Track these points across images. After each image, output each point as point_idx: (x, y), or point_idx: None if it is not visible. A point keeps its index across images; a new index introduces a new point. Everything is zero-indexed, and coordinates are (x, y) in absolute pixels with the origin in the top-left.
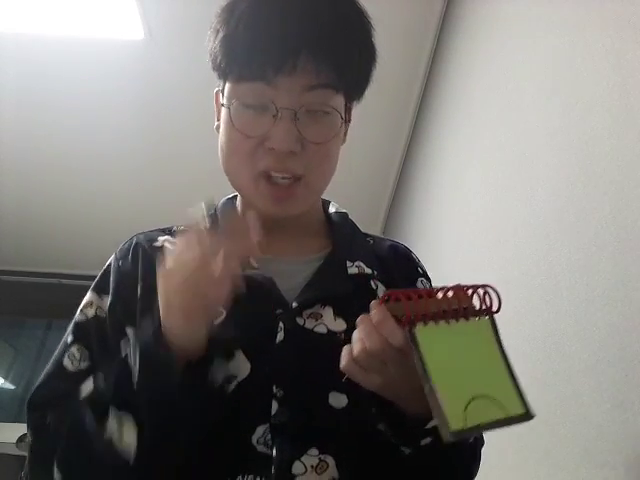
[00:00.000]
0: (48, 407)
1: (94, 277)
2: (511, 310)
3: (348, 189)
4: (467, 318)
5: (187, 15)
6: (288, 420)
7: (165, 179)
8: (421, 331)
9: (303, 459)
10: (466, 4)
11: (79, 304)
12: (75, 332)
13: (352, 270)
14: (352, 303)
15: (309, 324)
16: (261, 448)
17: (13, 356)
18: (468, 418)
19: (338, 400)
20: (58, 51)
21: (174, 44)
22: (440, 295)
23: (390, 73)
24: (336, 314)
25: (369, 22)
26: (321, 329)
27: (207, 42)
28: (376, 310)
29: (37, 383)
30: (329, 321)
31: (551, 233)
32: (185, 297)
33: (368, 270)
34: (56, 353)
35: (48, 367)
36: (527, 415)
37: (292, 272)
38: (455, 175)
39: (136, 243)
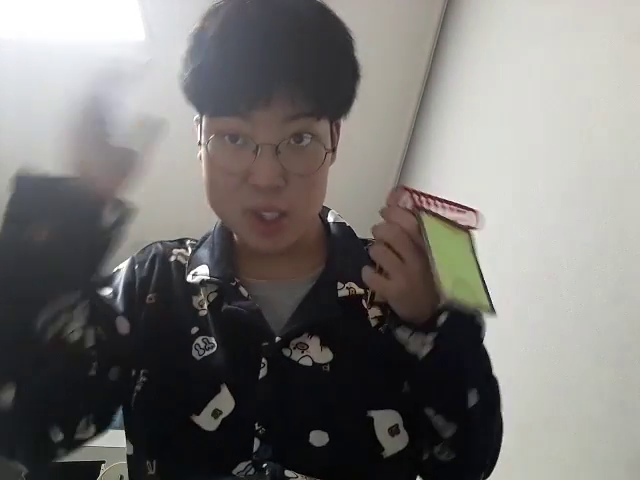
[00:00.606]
0: None
1: None
2: (511, 310)
3: (348, 189)
4: (455, 226)
5: (188, 16)
6: (270, 458)
7: (164, 179)
8: (428, 220)
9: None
10: (466, 4)
11: None
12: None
13: (342, 292)
14: (339, 329)
15: (295, 355)
16: (241, 476)
17: None
18: (454, 292)
19: (319, 438)
20: (58, 52)
21: (175, 45)
22: (438, 203)
23: (390, 73)
24: (323, 344)
25: (347, 36)
26: (306, 362)
27: (179, 72)
28: (388, 203)
29: None
30: (315, 352)
31: (551, 233)
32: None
33: (360, 290)
34: None
35: None
36: (490, 310)
37: (283, 297)
38: (455, 175)
39: (154, 255)
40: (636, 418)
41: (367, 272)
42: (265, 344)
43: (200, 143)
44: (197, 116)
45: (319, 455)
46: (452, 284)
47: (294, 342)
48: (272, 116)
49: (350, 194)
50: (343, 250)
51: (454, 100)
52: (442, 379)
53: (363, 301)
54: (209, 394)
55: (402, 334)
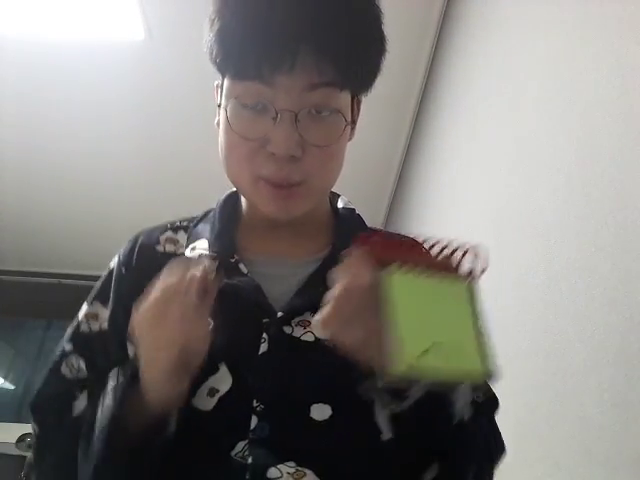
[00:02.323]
0: (48, 411)
1: (94, 277)
2: (511, 310)
3: (348, 189)
4: (447, 276)
5: (187, 15)
6: (268, 435)
7: (166, 179)
8: (395, 275)
9: (279, 466)
10: (466, 4)
11: (79, 304)
12: (75, 341)
13: None
14: None
15: (297, 332)
16: (238, 458)
17: (13, 356)
18: (422, 363)
19: (321, 412)
20: (58, 51)
21: (175, 45)
22: (425, 247)
23: (390, 73)
24: None
25: (377, 8)
26: (308, 337)
27: (204, 32)
28: (354, 252)
29: (37, 387)
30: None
31: (551, 233)
32: (171, 353)
33: None
34: (54, 359)
35: (46, 372)
36: (489, 374)
37: (286, 275)
38: (455, 175)
39: (140, 245)
40: (636, 418)
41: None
42: (266, 320)
43: (219, 105)
44: (218, 81)
45: (320, 429)
46: (421, 351)
47: (296, 320)
48: (295, 82)
49: (350, 194)
50: (351, 234)
51: (454, 100)
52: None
53: None
54: (205, 374)
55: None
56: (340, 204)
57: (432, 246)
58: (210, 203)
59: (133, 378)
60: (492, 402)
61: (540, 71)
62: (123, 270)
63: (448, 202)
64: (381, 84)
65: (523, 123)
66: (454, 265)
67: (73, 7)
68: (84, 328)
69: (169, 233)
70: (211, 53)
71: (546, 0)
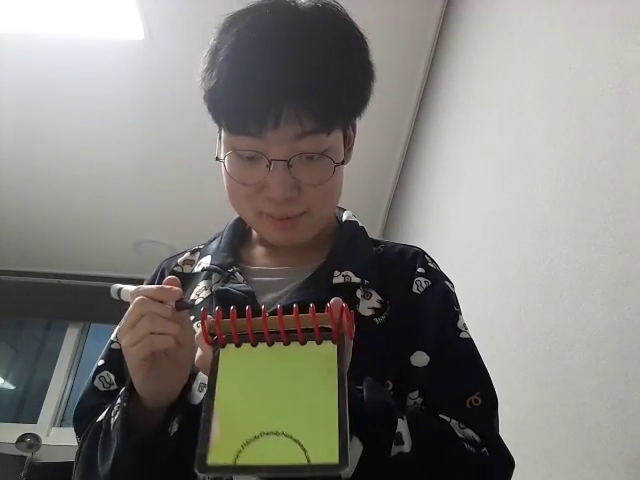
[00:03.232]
0: (86, 418)
1: (94, 277)
2: (511, 310)
3: (348, 189)
4: (304, 342)
5: (187, 15)
6: None
7: (165, 179)
8: (226, 353)
9: None
10: (466, 4)
11: (79, 304)
12: (107, 358)
13: (337, 279)
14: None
15: None
16: None
17: (13, 356)
18: (243, 456)
19: None
20: (57, 51)
21: (174, 44)
22: (278, 314)
23: (390, 73)
24: None
25: (360, 42)
26: None
27: (199, 85)
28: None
29: (79, 398)
30: None
31: (551, 233)
32: (142, 352)
33: (356, 279)
34: (91, 374)
35: (85, 386)
36: (339, 467)
37: (283, 282)
38: (455, 175)
39: (162, 269)
40: (636, 418)
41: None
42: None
43: (217, 159)
44: (217, 150)
45: None
46: (245, 443)
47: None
48: (282, 135)
49: (350, 194)
50: (348, 245)
51: (454, 100)
52: None
53: (358, 291)
54: (196, 371)
55: None
56: (344, 217)
57: (282, 310)
58: (210, 201)
59: (131, 387)
60: (491, 404)
61: (540, 71)
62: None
63: (448, 202)
64: (381, 84)
65: (523, 123)
66: (320, 325)
67: (73, 7)
68: (115, 346)
69: (187, 255)
70: (207, 108)
71: (546, 0)
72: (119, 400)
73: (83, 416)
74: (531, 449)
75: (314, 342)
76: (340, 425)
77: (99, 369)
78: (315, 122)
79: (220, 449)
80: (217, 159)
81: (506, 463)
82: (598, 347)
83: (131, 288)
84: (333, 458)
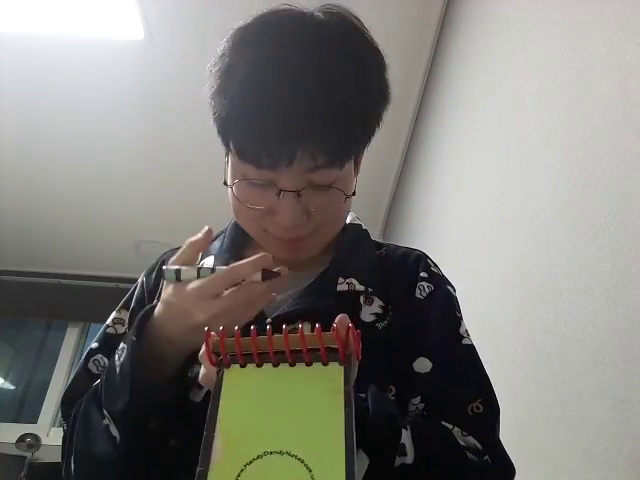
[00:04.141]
0: (75, 402)
1: (94, 277)
2: (511, 310)
3: None
4: (310, 363)
5: (187, 15)
6: None
7: (165, 179)
8: (231, 373)
9: None
10: (466, 4)
11: (79, 304)
12: (102, 341)
13: (341, 287)
14: (333, 320)
15: None
16: None
17: (13, 356)
18: (245, 475)
19: None
20: (58, 51)
21: (174, 44)
22: (284, 333)
23: (390, 73)
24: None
25: (379, 61)
26: None
27: (208, 103)
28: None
29: (68, 382)
30: None
31: (551, 233)
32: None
33: (360, 287)
34: (83, 356)
35: (77, 368)
36: None
37: (287, 286)
38: (455, 175)
39: (163, 260)
40: (636, 418)
41: None
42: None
43: (225, 183)
44: (224, 174)
45: None
46: (249, 462)
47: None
48: (295, 170)
49: None
50: (352, 249)
51: (454, 100)
52: None
53: (361, 297)
54: (195, 370)
55: None
56: (348, 219)
57: (287, 330)
58: (210, 201)
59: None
60: (492, 411)
61: (540, 71)
62: (144, 279)
63: (448, 202)
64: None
65: (523, 123)
66: (323, 345)
67: (73, 7)
68: (110, 330)
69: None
70: (217, 129)
71: (546, 0)
72: (122, 345)
73: (74, 398)
74: (531, 449)
75: (320, 363)
76: (347, 444)
77: (93, 352)
78: (329, 159)
79: (222, 467)
80: (225, 184)
81: (507, 471)
82: (598, 347)
83: (189, 268)
84: (340, 478)
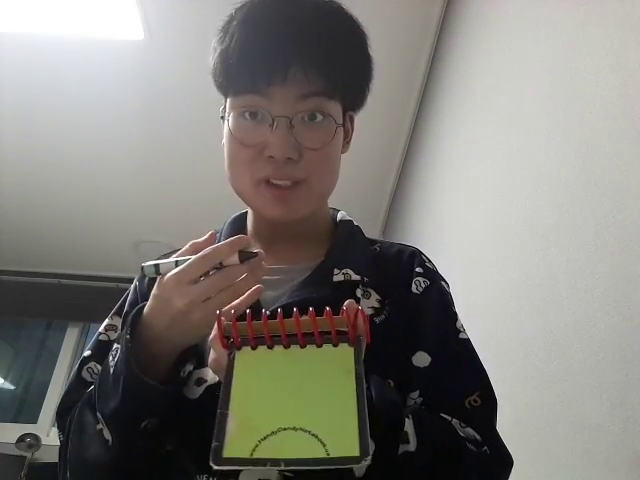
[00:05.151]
0: (70, 412)
1: (94, 277)
2: (511, 310)
3: (348, 189)
4: (320, 345)
5: (187, 15)
6: None
7: (165, 179)
8: (243, 355)
9: None
10: (466, 4)
11: (79, 304)
12: (95, 349)
13: (337, 277)
14: (333, 310)
15: None
16: None
17: (13, 356)
18: (260, 449)
19: None
20: (58, 51)
21: (174, 44)
22: (294, 317)
23: (390, 73)
24: None
25: (361, 30)
26: None
27: (209, 61)
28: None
29: (62, 392)
30: None
31: (551, 233)
32: (209, 319)
33: (356, 277)
34: (76, 365)
35: (70, 378)
36: (359, 458)
37: (282, 281)
38: (455, 175)
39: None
40: (636, 418)
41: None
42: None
43: (222, 118)
44: (221, 107)
45: None
46: (263, 438)
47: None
48: (288, 92)
49: (350, 194)
50: (346, 243)
51: (454, 100)
52: None
53: (358, 290)
54: (193, 367)
55: None
56: (339, 217)
57: (298, 314)
58: (210, 201)
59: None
60: (490, 403)
61: (540, 71)
62: (137, 283)
63: (448, 202)
64: (381, 84)
65: (523, 123)
66: (338, 328)
67: (73, 7)
68: (103, 337)
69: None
70: (215, 77)
71: (546, 0)
72: (115, 346)
73: (69, 409)
74: (531, 449)
75: (330, 345)
76: (360, 418)
77: (86, 360)
78: (321, 83)
79: (237, 442)
80: (222, 118)
81: (505, 461)
82: (598, 347)
83: (167, 261)
84: (353, 451)
